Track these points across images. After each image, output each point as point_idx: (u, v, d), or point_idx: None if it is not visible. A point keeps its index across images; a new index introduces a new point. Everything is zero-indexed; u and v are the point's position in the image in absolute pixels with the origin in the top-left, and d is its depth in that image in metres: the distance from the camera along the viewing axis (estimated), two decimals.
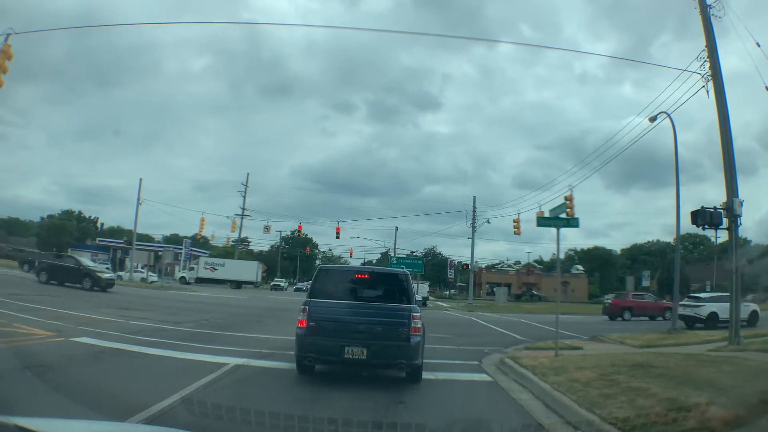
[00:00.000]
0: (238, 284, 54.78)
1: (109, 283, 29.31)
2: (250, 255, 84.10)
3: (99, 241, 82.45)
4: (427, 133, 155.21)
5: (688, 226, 33.32)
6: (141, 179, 51.68)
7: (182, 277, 58.58)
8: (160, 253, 52.88)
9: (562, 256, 27.22)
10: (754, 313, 25.49)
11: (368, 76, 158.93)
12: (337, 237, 54.00)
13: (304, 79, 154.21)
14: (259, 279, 55.53)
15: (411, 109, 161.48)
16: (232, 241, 65.22)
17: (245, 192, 60.63)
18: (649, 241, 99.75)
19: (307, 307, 8.71)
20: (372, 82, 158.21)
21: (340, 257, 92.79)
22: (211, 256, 73.36)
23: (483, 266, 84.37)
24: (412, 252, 60.96)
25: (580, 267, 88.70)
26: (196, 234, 64.43)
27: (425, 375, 9.10)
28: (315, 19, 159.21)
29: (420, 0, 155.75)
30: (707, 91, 16.18)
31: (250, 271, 58.35)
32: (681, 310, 24.33)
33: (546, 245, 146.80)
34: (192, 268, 60.03)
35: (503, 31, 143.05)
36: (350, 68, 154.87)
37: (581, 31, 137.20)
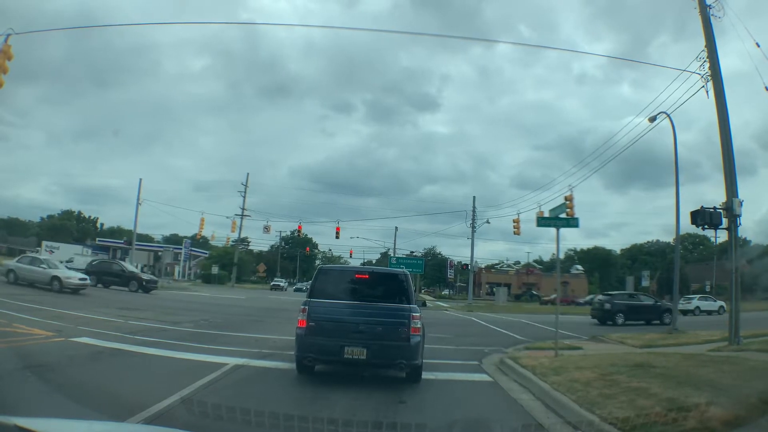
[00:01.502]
0: None
1: None
2: (250, 255, 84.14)
3: (99, 241, 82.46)
4: (425, 133, 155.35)
5: (687, 226, 33.42)
6: (141, 179, 51.59)
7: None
8: (159, 253, 52.94)
9: (561, 256, 27.23)
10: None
11: (367, 76, 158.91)
12: (337, 237, 53.96)
13: (303, 80, 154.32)
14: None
15: (409, 109, 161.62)
16: (232, 241, 65.21)
17: (245, 192, 60.66)
18: (649, 241, 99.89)
19: (307, 307, 8.71)
20: (370, 83, 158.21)
21: (340, 257, 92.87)
22: (210, 255, 73.47)
23: (483, 266, 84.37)
24: (412, 252, 61.07)
25: (579, 267, 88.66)
26: (196, 234, 64.40)
27: (425, 375, 9.10)
28: (314, 20, 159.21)
29: (418, 1, 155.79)
30: (707, 92, 16.18)
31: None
32: None
33: (545, 245, 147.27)
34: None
35: (501, 31, 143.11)
36: (349, 69, 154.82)
37: (579, 31, 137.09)
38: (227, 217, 65.87)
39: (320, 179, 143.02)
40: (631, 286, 51.25)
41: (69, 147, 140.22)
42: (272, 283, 66.63)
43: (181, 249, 63.87)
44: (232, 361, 10.01)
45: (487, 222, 52.39)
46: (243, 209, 60.01)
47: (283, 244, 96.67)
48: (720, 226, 16.07)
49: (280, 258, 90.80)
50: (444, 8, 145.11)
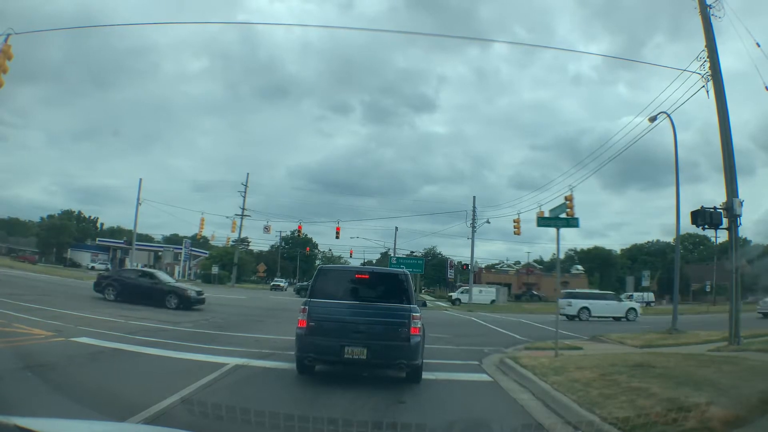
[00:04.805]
0: None
1: None
2: (250, 255, 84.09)
3: (99, 241, 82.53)
4: (423, 133, 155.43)
5: (688, 226, 33.39)
6: (141, 179, 51.61)
7: None
8: (160, 253, 53.05)
9: (561, 256, 27.24)
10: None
11: (364, 77, 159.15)
12: (337, 237, 53.93)
13: (301, 81, 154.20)
14: None
15: (407, 110, 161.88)
16: (232, 241, 65.21)
17: (245, 192, 60.69)
18: (649, 241, 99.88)
19: (307, 307, 8.71)
20: (368, 84, 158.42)
21: (340, 257, 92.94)
22: (210, 255, 73.41)
23: (483, 266, 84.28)
24: (412, 252, 61.08)
25: (580, 267, 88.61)
26: (196, 234, 64.44)
27: (425, 375, 9.10)
28: (311, 21, 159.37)
29: (414, 3, 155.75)
30: (707, 91, 16.17)
31: None
32: None
33: (545, 245, 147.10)
34: None
35: (498, 32, 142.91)
36: (346, 70, 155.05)
37: (575, 32, 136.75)
38: (227, 217, 65.94)
39: (319, 179, 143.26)
40: (631, 286, 51.44)
41: (69, 147, 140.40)
42: (272, 283, 66.56)
43: (181, 249, 63.87)
44: (233, 361, 10.01)
45: (487, 222, 52.49)
46: (243, 209, 60.06)
47: (283, 244, 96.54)
48: (720, 226, 16.06)
49: (280, 258, 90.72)
50: (440, 11, 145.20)
